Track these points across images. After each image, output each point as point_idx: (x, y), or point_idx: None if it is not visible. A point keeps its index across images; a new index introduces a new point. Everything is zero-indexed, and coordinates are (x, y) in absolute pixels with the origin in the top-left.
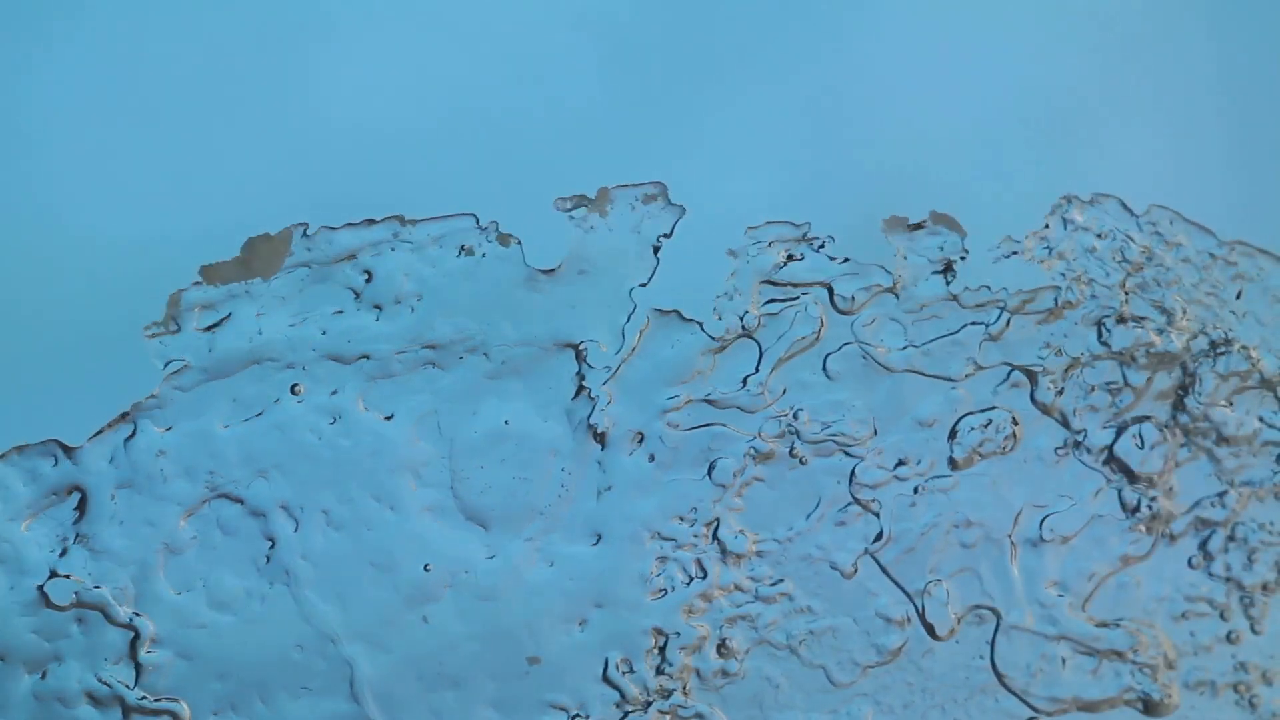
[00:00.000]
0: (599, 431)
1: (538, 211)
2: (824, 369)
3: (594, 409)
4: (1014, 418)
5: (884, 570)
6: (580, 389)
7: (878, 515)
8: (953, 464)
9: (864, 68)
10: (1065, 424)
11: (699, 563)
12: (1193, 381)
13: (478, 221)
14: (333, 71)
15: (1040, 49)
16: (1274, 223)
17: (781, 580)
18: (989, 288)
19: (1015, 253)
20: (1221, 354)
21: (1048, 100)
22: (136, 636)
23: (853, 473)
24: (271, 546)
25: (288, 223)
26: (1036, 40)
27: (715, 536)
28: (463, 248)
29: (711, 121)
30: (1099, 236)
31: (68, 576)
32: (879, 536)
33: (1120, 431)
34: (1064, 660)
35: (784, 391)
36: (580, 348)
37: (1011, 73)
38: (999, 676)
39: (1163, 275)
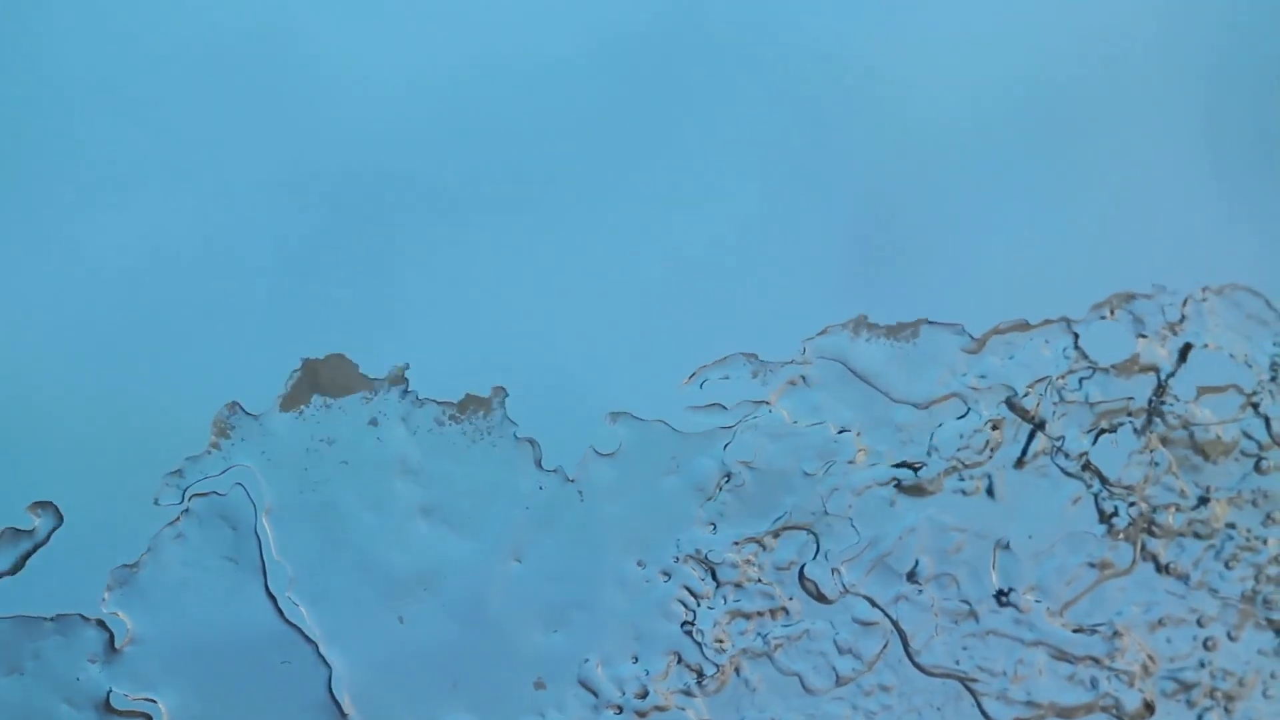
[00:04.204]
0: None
1: (536, 213)
2: (803, 373)
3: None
4: (993, 423)
5: (846, 589)
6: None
7: (814, 533)
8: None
9: (865, 70)
10: (1043, 430)
11: (678, 564)
12: (1169, 390)
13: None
14: (331, 72)
15: (1043, 52)
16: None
17: (760, 583)
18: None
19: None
20: (1192, 358)
21: (1050, 103)
22: (114, 635)
23: (827, 475)
24: (250, 546)
25: (289, 230)
26: (1038, 43)
27: (692, 544)
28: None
29: (710, 124)
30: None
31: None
32: (817, 551)
33: (1098, 438)
34: (1041, 666)
35: (769, 396)
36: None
37: (1014, 75)
38: (965, 683)
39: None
